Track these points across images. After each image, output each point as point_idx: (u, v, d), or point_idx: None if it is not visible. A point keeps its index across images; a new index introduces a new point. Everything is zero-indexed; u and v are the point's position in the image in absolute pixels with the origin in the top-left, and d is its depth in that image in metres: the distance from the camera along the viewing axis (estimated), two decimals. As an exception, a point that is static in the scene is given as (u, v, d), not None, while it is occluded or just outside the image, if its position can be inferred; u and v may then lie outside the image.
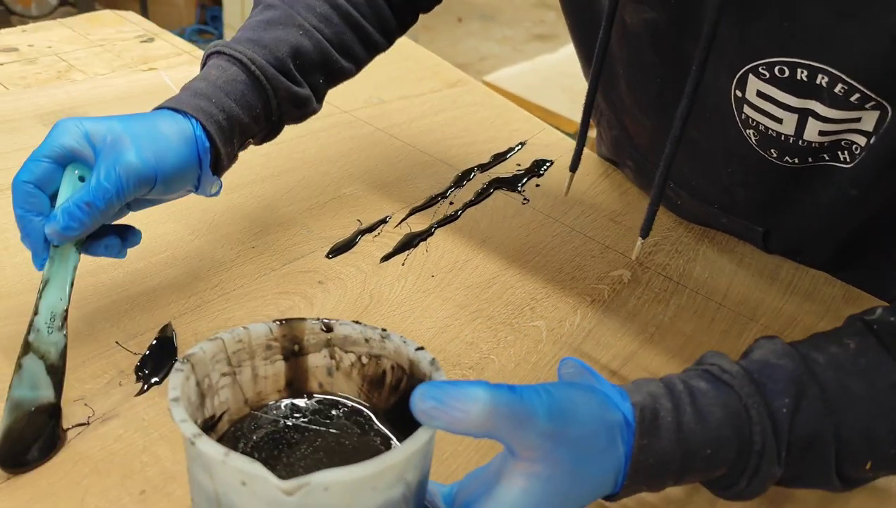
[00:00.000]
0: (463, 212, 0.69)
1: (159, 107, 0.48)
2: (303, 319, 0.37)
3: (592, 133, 0.77)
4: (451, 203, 0.70)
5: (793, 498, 0.46)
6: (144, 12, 2.78)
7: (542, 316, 0.58)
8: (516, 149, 0.81)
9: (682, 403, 0.36)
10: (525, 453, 0.32)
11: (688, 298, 0.62)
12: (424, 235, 0.65)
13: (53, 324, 0.42)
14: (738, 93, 0.52)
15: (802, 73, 0.47)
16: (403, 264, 0.62)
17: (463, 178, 0.74)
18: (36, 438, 0.41)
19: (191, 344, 0.50)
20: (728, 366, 0.38)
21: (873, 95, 0.45)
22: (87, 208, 0.41)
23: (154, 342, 0.50)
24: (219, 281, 0.57)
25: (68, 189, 0.42)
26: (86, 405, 0.45)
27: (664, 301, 0.62)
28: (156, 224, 0.62)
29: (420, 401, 0.31)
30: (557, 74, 1.96)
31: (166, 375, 0.47)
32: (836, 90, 0.46)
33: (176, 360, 0.46)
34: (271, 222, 0.65)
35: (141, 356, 0.49)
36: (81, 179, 0.43)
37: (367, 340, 0.37)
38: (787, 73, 0.48)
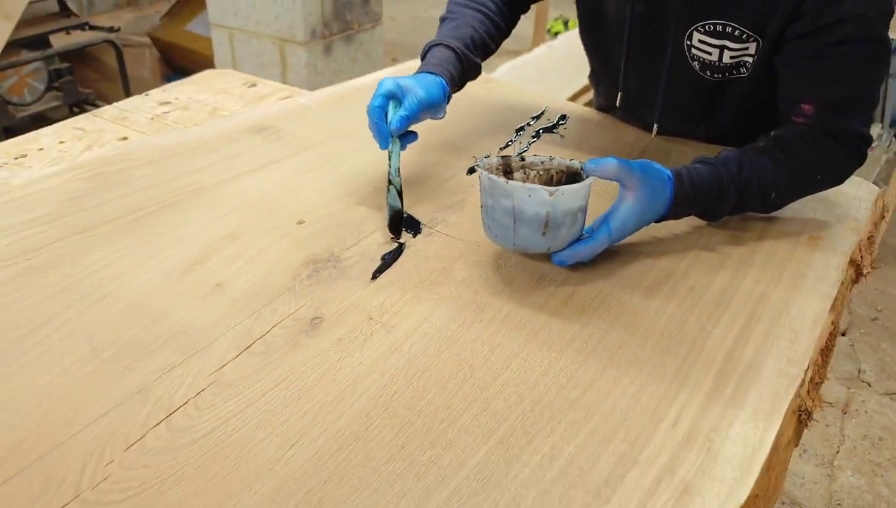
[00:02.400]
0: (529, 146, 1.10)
1: (419, 72, 0.90)
2: (509, 155, 0.78)
3: (589, 95, 1.20)
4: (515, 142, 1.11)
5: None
6: (126, 86, 3.11)
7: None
8: (543, 110, 1.23)
9: (691, 171, 0.79)
10: (630, 186, 0.75)
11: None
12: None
13: (396, 172, 0.84)
14: (688, 42, 0.96)
15: (720, 26, 0.92)
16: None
17: (520, 130, 1.15)
18: (398, 222, 0.83)
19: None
20: (709, 158, 0.81)
21: (753, 34, 0.90)
22: (404, 119, 0.82)
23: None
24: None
25: (392, 111, 0.83)
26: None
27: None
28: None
29: (590, 166, 0.73)
30: (552, 66, 2.51)
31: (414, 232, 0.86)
32: (736, 34, 0.91)
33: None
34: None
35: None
36: (397, 106, 0.85)
37: (542, 162, 0.78)
38: (713, 28, 0.92)
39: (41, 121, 3.04)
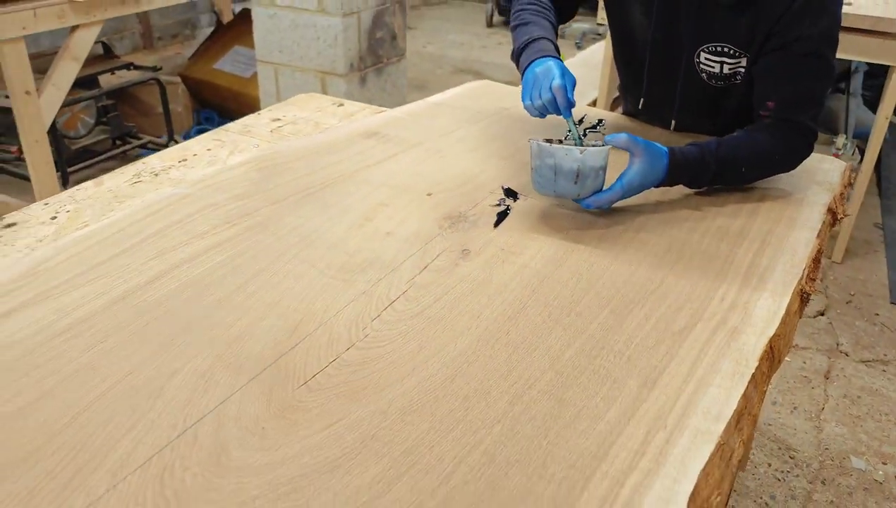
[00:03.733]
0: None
1: (540, 57, 1.19)
2: (551, 138, 1.10)
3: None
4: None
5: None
6: (168, 119, 3.41)
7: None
8: (584, 116, 1.56)
9: (682, 148, 1.13)
10: (636, 154, 1.09)
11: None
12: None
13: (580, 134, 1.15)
14: (697, 60, 1.30)
15: (720, 47, 1.26)
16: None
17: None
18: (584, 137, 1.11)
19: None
20: (696, 142, 1.15)
21: (743, 51, 1.24)
22: (572, 91, 1.12)
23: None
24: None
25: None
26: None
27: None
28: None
29: (607, 138, 1.07)
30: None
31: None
32: (731, 52, 1.25)
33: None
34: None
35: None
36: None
37: (574, 141, 1.10)
38: (714, 49, 1.26)
39: (89, 153, 3.33)
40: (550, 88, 1.11)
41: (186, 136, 3.75)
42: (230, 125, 1.58)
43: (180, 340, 0.82)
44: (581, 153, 1.03)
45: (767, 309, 0.89)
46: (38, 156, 2.77)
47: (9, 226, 1.17)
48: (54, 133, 2.92)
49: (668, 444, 0.69)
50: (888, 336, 2.46)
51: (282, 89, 2.82)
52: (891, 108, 2.56)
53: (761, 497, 1.86)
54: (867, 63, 4.03)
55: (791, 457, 1.99)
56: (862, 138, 3.21)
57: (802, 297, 0.95)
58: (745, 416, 0.74)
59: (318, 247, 1.02)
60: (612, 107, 2.88)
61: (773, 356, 0.83)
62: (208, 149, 1.45)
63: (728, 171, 1.17)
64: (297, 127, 1.57)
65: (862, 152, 2.84)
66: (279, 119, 1.62)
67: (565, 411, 0.73)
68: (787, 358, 2.33)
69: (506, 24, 6.45)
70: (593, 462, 0.67)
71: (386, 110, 1.61)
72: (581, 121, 1.50)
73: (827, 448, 2.02)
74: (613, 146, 1.09)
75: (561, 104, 1.11)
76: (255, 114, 1.65)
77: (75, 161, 3.22)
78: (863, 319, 2.54)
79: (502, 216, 1.11)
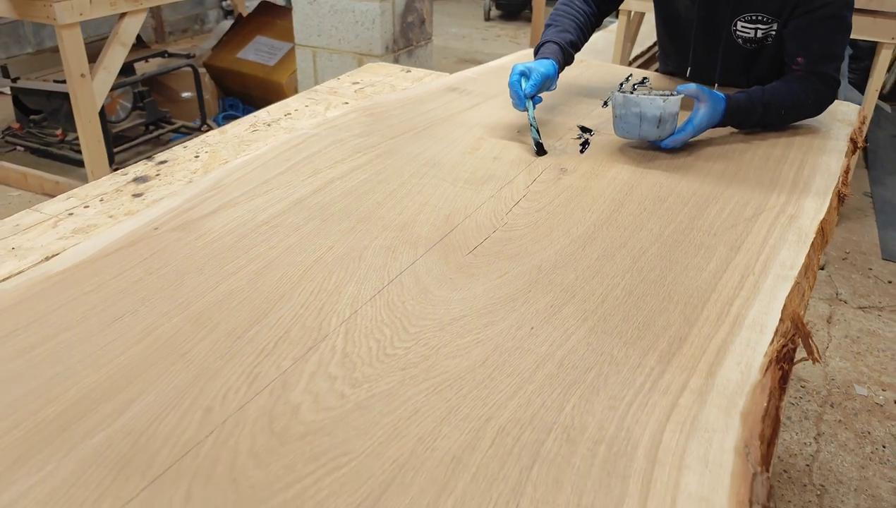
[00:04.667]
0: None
1: (538, 59, 1.43)
2: (629, 88, 1.33)
3: (655, 64, 1.76)
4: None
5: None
6: (201, 103, 3.60)
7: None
8: (629, 75, 1.79)
9: (736, 95, 1.37)
10: (702, 100, 1.33)
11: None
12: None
13: (535, 123, 1.35)
14: (734, 28, 1.54)
15: (754, 17, 1.50)
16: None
17: (620, 86, 1.70)
18: (540, 147, 1.34)
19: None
20: (744, 90, 1.39)
21: (775, 18, 1.48)
22: (532, 86, 1.35)
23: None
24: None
25: (524, 82, 1.36)
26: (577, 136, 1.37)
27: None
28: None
29: (680, 88, 1.30)
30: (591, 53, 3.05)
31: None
32: (764, 20, 1.49)
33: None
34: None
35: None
36: (527, 80, 1.37)
37: (648, 91, 1.33)
38: (749, 18, 1.50)
39: (124, 138, 3.50)
40: (510, 85, 1.37)
41: (214, 120, 3.94)
42: (318, 87, 1.79)
43: (359, 228, 1.04)
44: (664, 101, 1.26)
45: (815, 203, 1.13)
46: (90, 136, 2.96)
47: (162, 162, 1.37)
48: (102, 116, 3.10)
49: (758, 282, 0.91)
50: (881, 286, 2.72)
51: (319, 70, 3.03)
52: (880, 82, 2.82)
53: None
54: (851, 48, 4.32)
55: (802, 386, 2.23)
56: (850, 115, 3.50)
57: (840, 197, 1.18)
58: (809, 270, 0.97)
59: (442, 167, 1.24)
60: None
61: (823, 235, 1.06)
62: (306, 106, 1.66)
63: (770, 114, 1.41)
64: (376, 88, 1.79)
65: (852, 125, 3.11)
66: (357, 82, 1.83)
67: (675, 265, 0.96)
68: (792, 306, 2.59)
69: (502, 17, 6.69)
70: (705, 294, 0.90)
71: (455, 73, 1.84)
72: (628, 78, 1.74)
73: (833, 379, 2.27)
74: (685, 95, 1.31)
75: (512, 97, 1.37)
76: (335, 78, 1.86)
77: (116, 143, 3.39)
78: (858, 273, 2.80)
79: (585, 144, 1.34)
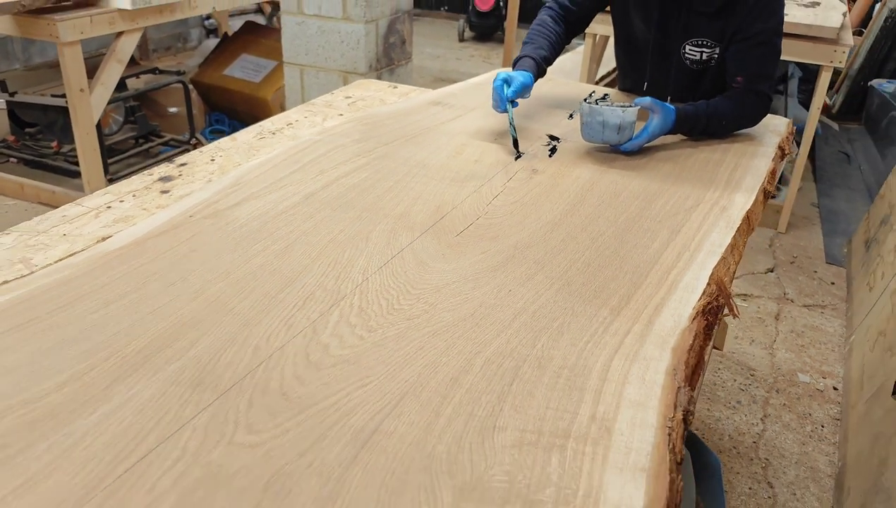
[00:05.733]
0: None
1: (517, 69, 1.65)
2: (594, 100, 1.55)
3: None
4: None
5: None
6: (190, 118, 3.77)
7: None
8: (592, 91, 2.02)
9: (684, 106, 1.60)
10: (655, 111, 1.56)
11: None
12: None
13: (513, 122, 1.57)
14: (683, 51, 1.77)
15: (700, 41, 1.73)
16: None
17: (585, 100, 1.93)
18: (517, 145, 1.55)
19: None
20: (691, 103, 1.63)
21: (718, 43, 1.72)
22: (514, 91, 1.58)
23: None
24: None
25: (505, 88, 1.58)
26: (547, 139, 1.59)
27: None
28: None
29: (636, 101, 1.53)
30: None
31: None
32: (708, 44, 1.73)
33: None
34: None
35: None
36: (507, 86, 1.59)
37: (609, 103, 1.56)
38: (696, 42, 1.74)
39: (115, 151, 3.66)
40: (494, 88, 1.59)
41: (202, 134, 4.11)
42: (315, 100, 1.99)
43: (364, 216, 1.24)
44: (623, 112, 1.48)
45: (744, 198, 1.35)
46: (87, 147, 3.12)
47: (182, 165, 1.56)
48: (98, 128, 3.26)
49: (692, 256, 1.13)
50: (825, 287, 2.98)
51: (306, 87, 3.23)
52: (821, 101, 3.10)
53: (730, 402, 2.33)
54: (801, 70, 4.63)
55: (751, 374, 2.46)
56: (798, 132, 3.77)
57: (765, 194, 1.41)
58: (735, 250, 1.19)
59: (430, 168, 1.44)
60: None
61: (749, 222, 1.29)
62: (305, 117, 1.86)
63: (713, 124, 1.64)
64: (367, 102, 1.99)
65: (798, 144, 3.38)
66: (350, 96, 2.03)
67: (625, 244, 1.17)
68: (744, 304, 2.82)
69: (476, 39, 6.96)
70: (649, 266, 1.11)
71: (438, 89, 2.05)
72: (591, 94, 1.97)
73: (779, 368, 2.50)
74: (642, 106, 1.54)
75: (494, 99, 1.59)
76: (330, 93, 2.06)
77: (109, 155, 3.54)
78: (804, 275, 3.05)
79: (553, 150, 1.56)
